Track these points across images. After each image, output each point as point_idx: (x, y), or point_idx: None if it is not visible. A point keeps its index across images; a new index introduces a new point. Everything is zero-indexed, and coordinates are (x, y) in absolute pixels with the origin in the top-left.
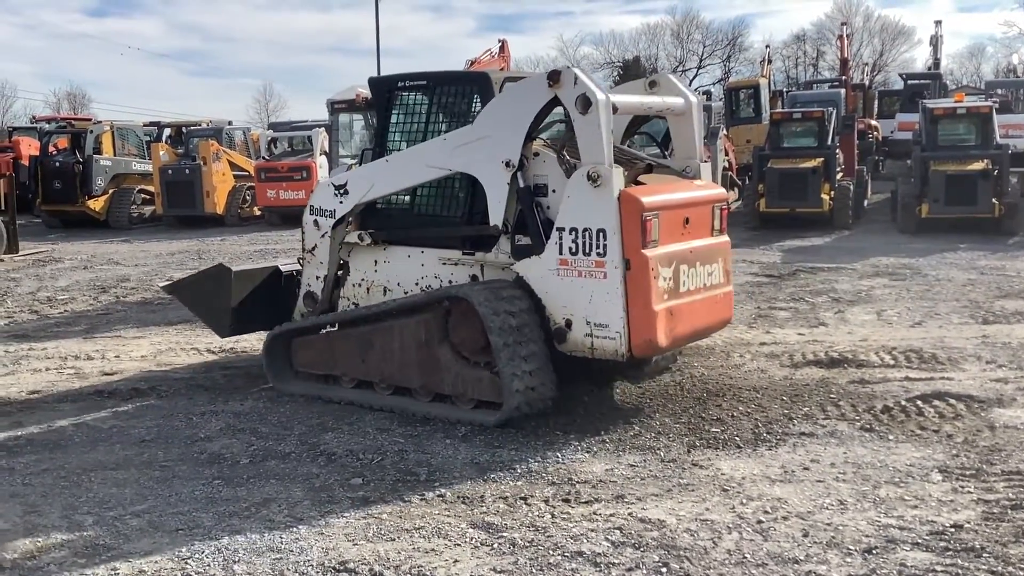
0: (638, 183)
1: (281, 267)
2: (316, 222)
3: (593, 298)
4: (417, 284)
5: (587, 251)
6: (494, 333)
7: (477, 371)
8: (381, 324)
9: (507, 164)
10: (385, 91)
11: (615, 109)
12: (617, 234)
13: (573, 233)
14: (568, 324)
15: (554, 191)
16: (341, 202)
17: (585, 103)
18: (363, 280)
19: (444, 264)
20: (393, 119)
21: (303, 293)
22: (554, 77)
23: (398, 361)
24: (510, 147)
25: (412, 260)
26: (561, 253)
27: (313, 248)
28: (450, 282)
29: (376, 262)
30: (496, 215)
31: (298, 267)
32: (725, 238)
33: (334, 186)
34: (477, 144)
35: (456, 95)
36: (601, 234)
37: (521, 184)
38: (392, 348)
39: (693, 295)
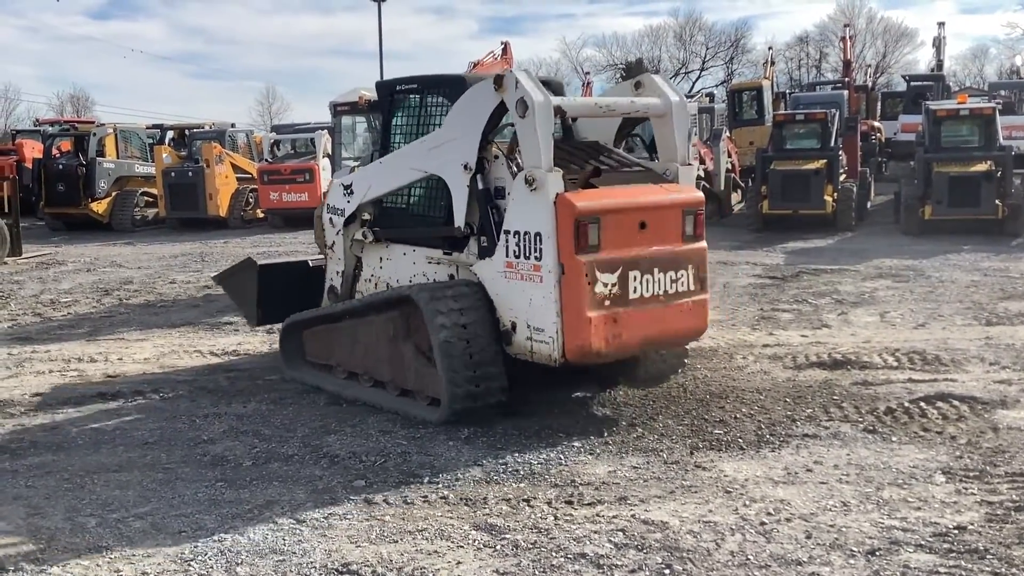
0: (591, 186)
1: (310, 261)
2: (331, 220)
3: (532, 302)
4: (411, 281)
5: (527, 255)
6: (433, 331)
7: (431, 368)
8: (363, 319)
9: (465, 167)
10: (387, 94)
11: (562, 113)
12: (552, 238)
13: (516, 236)
14: (513, 327)
15: (510, 194)
16: (348, 201)
17: (523, 107)
18: (372, 276)
19: (429, 263)
20: (394, 121)
21: (327, 287)
22: (498, 81)
23: (374, 355)
24: (468, 150)
25: (407, 258)
26: (507, 256)
27: (332, 245)
28: (434, 280)
29: (381, 259)
30: (459, 217)
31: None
32: (699, 244)
33: (343, 186)
34: (444, 147)
35: (436, 98)
36: (538, 238)
37: (480, 186)
38: (370, 342)
39: (648, 303)
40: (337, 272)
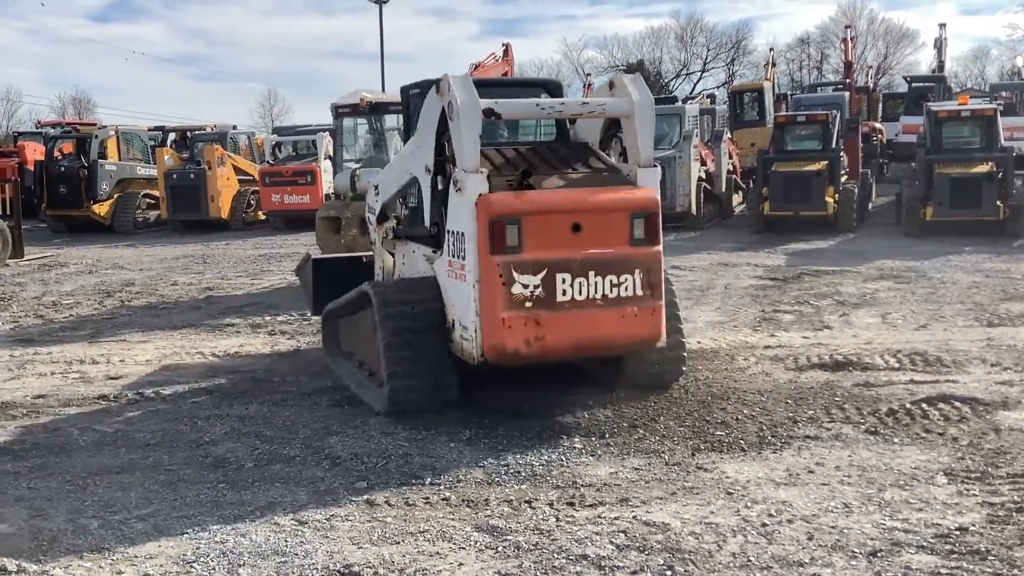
0: (528, 187)
1: (364, 258)
2: (370, 219)
3: (460, 300)
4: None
5: (457, 254)
6: (379, 325)
7: None
8: (362, 312)
9: (427, 169)
10: (405, 97)
11: (496, 116)
12: (474, 239)
13: (451, 236)
14: (452, 324)
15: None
16: (377, 200)
17: (451, 109)
18: (399, 272)
19: (426, 260)
20: (413, 123)
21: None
22: (437, 86)
23: (370, 347)
24: (429, 152)
25: (415, 255)
26: (449, 255)
27: (374, 242)
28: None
29: (403, 256)
30: (427, 216)
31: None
32: (650, 248)
33: (373, 186)
34: (417, 150)
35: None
36: (462, 237)
37: (439, 187)
38: (366, 335)
39: (581, 306)
40: (379, 268)
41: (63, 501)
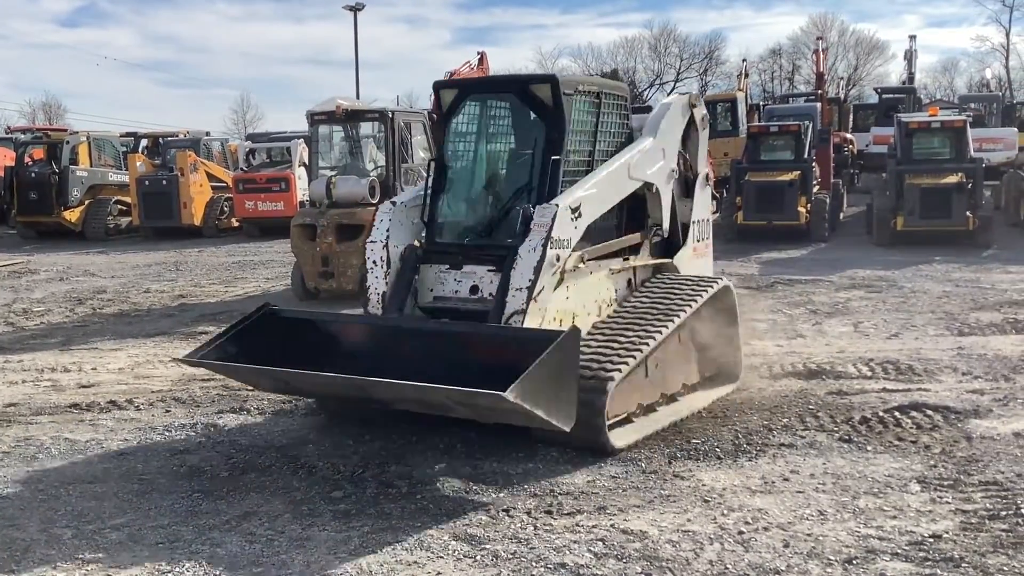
0: None
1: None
2: (557, 255)
3: (707, 268)
4: (595, 302)
5: (703, 237)
6: None
7: None
8: None
9: (672, 172)
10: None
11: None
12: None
13: (697, 224)
14: None
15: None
16: (577, 224)
17: (704, 121)
18: (558, 309)
19: (612, 275)
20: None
21: None
22: (691, 98)
23: None
24: (672, 159)
25: (599, 274)
26: (695, 241)
27: (543, 291)
28: (616, 292)
29: (567, 288)
30: (667, 219)
31: None
32: None
33: (571, 209)
34: (649, 159)
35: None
36: (708, 221)
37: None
38: None
39: None
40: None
41: (36, 511)
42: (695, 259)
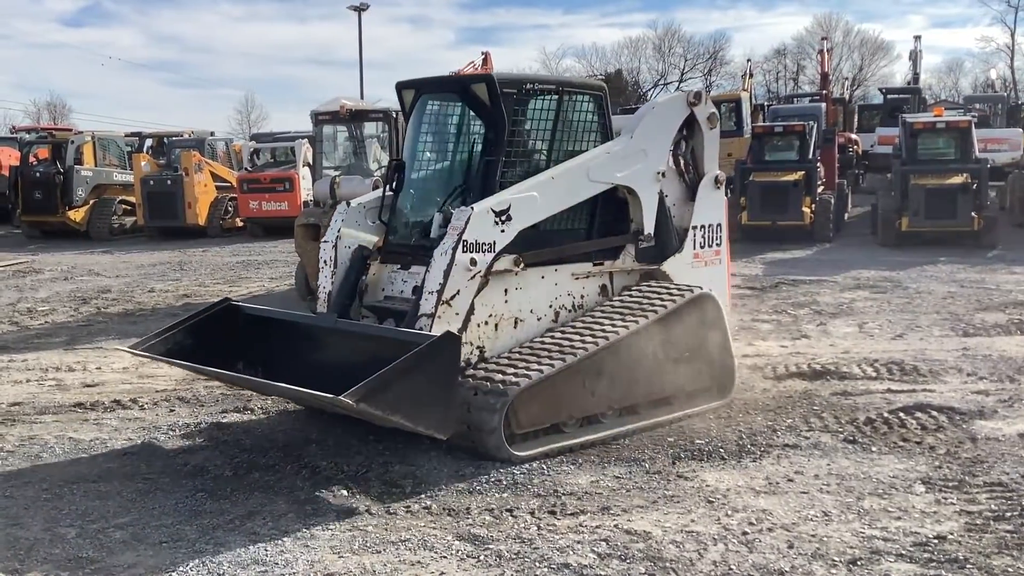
0: None
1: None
2: (473, 259)
3: (716, 280)
4: (551, 306)
5: (710, 243)
6: None
7: None
8: None
9: (659, 174)
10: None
11: None
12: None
13: (701, 230)
14: None
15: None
16: (504, 228)
17: (710, 120)
18: (490, 317)
19: (575, 279)
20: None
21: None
22: (695, 96)
23: None
24: (661, 159)
25: (545, 281)
26: (696, 248)
27: (456, 295)
28: (581, 296)
29: (505, 291)
30: (649, 223)
31: None
32: None
33: (495, 211)
34: (634, 158)
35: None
36: (719, 228)
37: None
38: None
39: None
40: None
41: (40, 510)
42: (696, 267)
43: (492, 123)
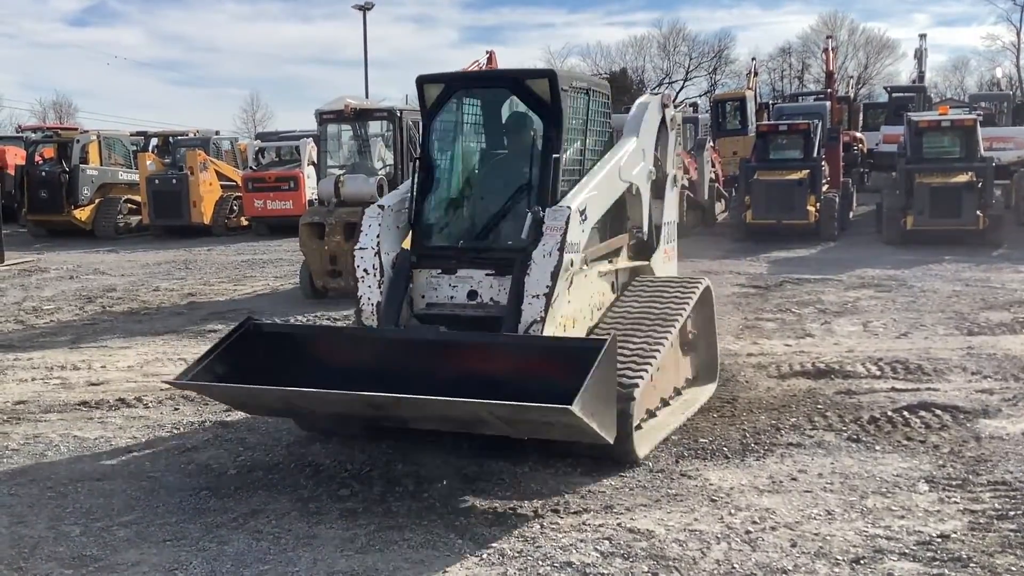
0: None
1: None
2: (571, 259)
3: (672, 271)
4: (590, 306)
5: (671, 239)
6: None
7: None
8: None
9: (651, 174)
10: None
11: None
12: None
13: (667, 227)
14: None
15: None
16: (584, 228)
17: (674, 120)
18: (565, 313)
19: (601, 277)
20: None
21: None
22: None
23: None
24: (650, 159)
25: (590, 277)
26: (665, 244)
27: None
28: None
29: (568, 291)
30: (648, 221)
31: None
32: None
33: (579, 212)
34: (633, 159)
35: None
36: (675, 224)
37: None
38: None
39: None
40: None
41: (44, 508)
42: (666, 262)
43: (552, 119)
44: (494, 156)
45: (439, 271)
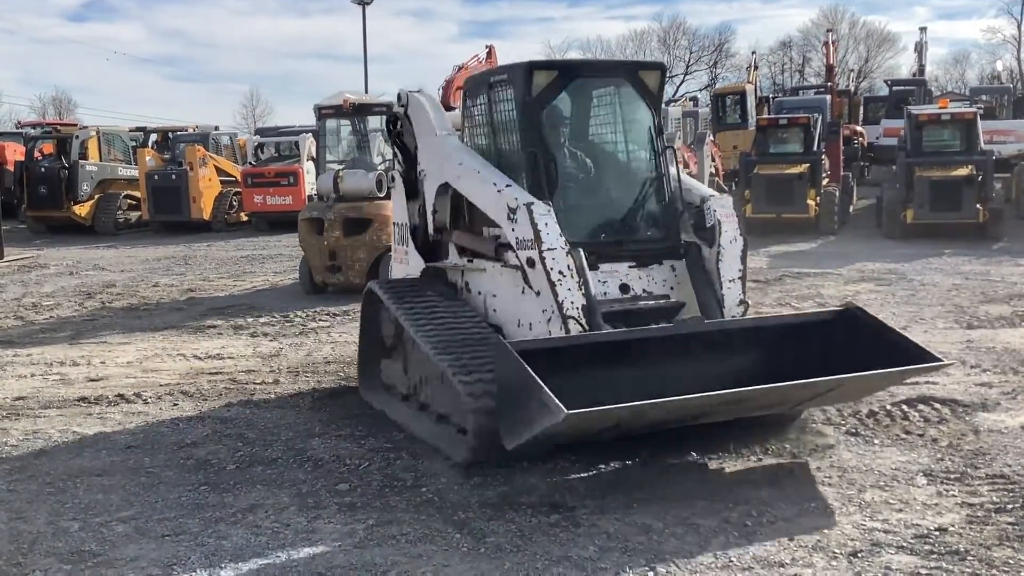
0: None
1: None
2: None
3: None
4: None
5: None
6: None
7: None
8: None
9: None
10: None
11: None
12: None
13: None
14: None
15: None
16: None
17: None
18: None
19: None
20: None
21: None
22: None
23: None
24: None
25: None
26: None
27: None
28: None
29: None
30: None
31: None
32: None
33: None
34: None
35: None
36: None
37: None
38: None
39: None
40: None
41: (43, 503)
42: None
43: (659, 110)
44: (612, 147)
45: None
